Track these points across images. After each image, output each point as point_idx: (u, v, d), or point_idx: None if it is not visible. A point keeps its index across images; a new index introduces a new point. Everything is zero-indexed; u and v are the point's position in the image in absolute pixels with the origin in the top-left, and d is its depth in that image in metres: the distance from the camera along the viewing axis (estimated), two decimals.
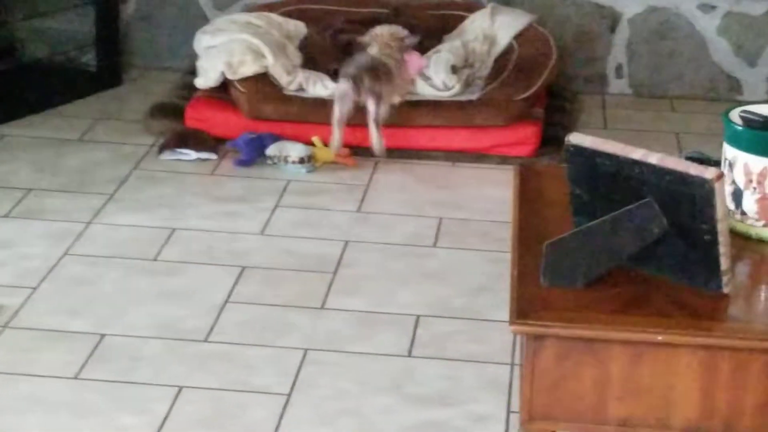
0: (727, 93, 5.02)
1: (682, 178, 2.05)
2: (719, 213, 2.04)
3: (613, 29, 5.03)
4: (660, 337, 1.99)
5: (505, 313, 3.41)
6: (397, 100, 4.33)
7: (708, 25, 4.98)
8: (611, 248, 2.13)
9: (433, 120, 4.38)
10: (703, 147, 4.50)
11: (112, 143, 4.49)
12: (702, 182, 2.03)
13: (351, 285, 3.57)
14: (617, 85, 5.09)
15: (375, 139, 4.25)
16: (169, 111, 4.57)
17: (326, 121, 4.36)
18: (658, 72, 5.05)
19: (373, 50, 4.33)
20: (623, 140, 4.50)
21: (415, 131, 4.39)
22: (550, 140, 4.44)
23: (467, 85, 4.51)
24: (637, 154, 2.11)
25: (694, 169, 2.04)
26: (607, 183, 2.16)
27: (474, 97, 4.40)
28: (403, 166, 4.37)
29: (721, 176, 2.03)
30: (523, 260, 2.22)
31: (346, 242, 3.82)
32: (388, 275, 3.63)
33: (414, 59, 4.44)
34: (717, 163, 2.44)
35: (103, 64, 4.98)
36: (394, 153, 4.39)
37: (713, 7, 4.96)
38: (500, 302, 3.46)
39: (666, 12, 4.99)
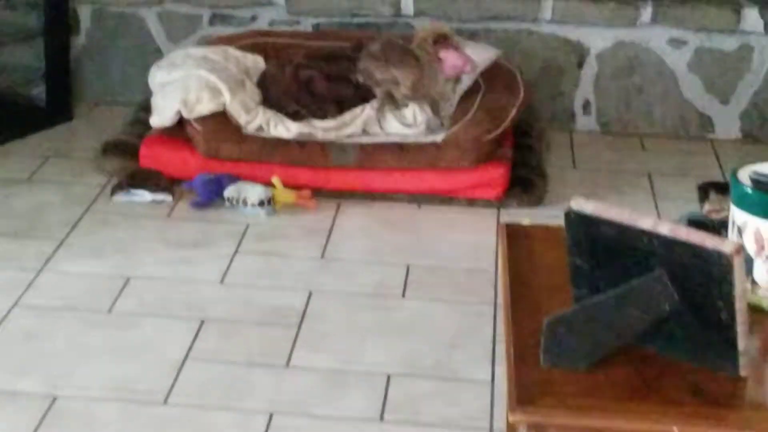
0: (699, 131, 4.88)
1: (697, 251, 1.87)
2: (737, 290, 1.86)
3: (580, 64, 4.88)
4: (675, 429, 1.81)
5: (481, 371, 3.25)
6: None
7: (678, 60, 4.84)
8: (617, 326, 1.94)
9: (398, 162, 4.21)
10: (676, 188, 4.39)
11: (62, 183, 4.27)
12: (719, 257, 1.85)
13: (317, 340, 3.37)
14: (585, 122, 4.94)
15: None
16: (123, 149, 4.36)
17: (287, 161, 4.18)
18: (627, 108, 4.90)
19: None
20: (593, 180, 4.43)
21: (379, 173, 4.22)
22: (519, 181, 4.28)
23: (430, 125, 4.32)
24: (645, 222, 1.93)
25: (710, 242, 1.87)
26: (610, 253, 1.98)
27: (439, 138, 4.23)
28: (367, 208, 4.18)
29: (740, 250, 1.85)
30: (519, 337, 2.02)
31: (310, 292, 3.62)
32: (356, 329, 3.43)
33: (451, 57, 4.27)
34: (721, 226, 2.26)
35: (53, 98, 4.76)
36: (357, 195, 4.22)
37: (684, 43, 4.82)
38: (474, 359, 3.29)
39: (635, 47, 4.84)
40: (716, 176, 4.52)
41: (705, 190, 4.31)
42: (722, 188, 4.31)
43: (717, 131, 4.88)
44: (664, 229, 1.91)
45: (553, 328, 1.93)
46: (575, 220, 1.99)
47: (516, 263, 2.28)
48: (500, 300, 3.54)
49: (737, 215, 2.16)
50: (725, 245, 1.86)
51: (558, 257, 2.19)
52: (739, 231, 2.15)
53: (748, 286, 2.11)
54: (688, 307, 1.92)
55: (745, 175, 2.16)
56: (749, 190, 2.12)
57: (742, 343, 1.90)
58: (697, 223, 2.27)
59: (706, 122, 4.88)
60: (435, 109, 4.31)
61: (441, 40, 4.33)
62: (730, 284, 1.86)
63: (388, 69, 4.28)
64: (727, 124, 4.87)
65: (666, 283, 1.92)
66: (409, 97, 4.25)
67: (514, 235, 2.39)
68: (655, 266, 1.92)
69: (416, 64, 4.27)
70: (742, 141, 4.86)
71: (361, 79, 4.32)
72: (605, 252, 1.98)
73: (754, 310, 2.10)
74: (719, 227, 2.26)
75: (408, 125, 4.24)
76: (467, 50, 4.41)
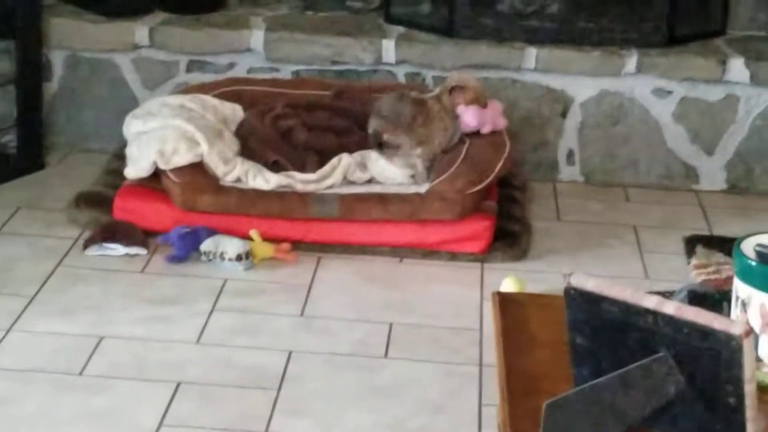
0: (684, 182, 4.82)
1: (704, 332, 1.78)
2: (747, 373, 1.77)
3: (564, 114, 4.81)
4: None
5: None
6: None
7: (663, 110, 4.78)
8: (620, 409, 1.85)
9: (380, 213, 4.12)
10: (662, 241, 4.32)
11: (33, 236, 4.16)
12: (728, 339, 1.76)
13: (297, 404, 3.26)
14: (568, 173, 4.86)
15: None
16: (96, 201, 4.26)
17: (266, 214, 4.10)
18: (611, 159, 4.83)
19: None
20: (578, 233, 4.34)
21: (361, 225, 4.13)
22: (503, 234, 4.20)
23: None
24: (649, 301, 1.84)
25: (718, 323, 1.78)
26: (613, 332, 1.89)
27: (423, 189, 4.14)
28: (347, 262, 4.08)
29: (750, 332, 1.76)
30: (516, 418, 1.93)
31: (290, 352, 3.52)
32: (337, 391, 3.33)
33: (468, 115, 4.26)
34: (723, 298, 2.18)
35: (25, 146, 4.65)
36: (337, 248, 4.13)
37: (668, 92, 4.76)
38: (460, 423, 3.20)
39: (619, 96, 4.78)
40: (702, 229, 4.46)
41: (691, 244, 4.25)
42: (709, 242, 4.26)
43: (702, 182, 4.81)
44: (670, 308, 1.82)
45: (553, 411, 1.84)
46: (575, 297, 1.90)
47: (510, 335, 2.19)
48: (486, 360, 3.46)
49: (741, 289, 2.07)
50: (734, 326, 1.77)
51: (554, 329, 2.11)
52: (743, 305, 2.06)
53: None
54: (695, 389, 1.83)
55: (749, 247, 2.08)
56: (754, 264, 2.04)
57: (751, 428, 1.81)
58: (699, 295, 2.19)
59: (691, 173, 4.82)
60: (431, 161, 4.24)
61: (460, 92, 4.28)
62: (740, 367, 1.77)
63: (397, 133, 4.20)
64: (713, 175, 4.81)
65: (671, 364, 1.83)
66: (421, 157, 4.21)
67: (506, 306, 2.30)
68: (660, 346, 1.84)
69: (426, 128, 4.20)
70: (728, 192, 4.80)
71: (371, 134, 4.30)
72: (607, 331, 1.89)
73: (759, 388, 2.02)
74: (721, 300, 2.17)
75: (411, 166, 4.16)
76: (490, 108, 4.33)
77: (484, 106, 4.35)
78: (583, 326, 1.92)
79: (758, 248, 2.06)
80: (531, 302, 2.35)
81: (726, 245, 4.19)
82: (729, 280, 3.83)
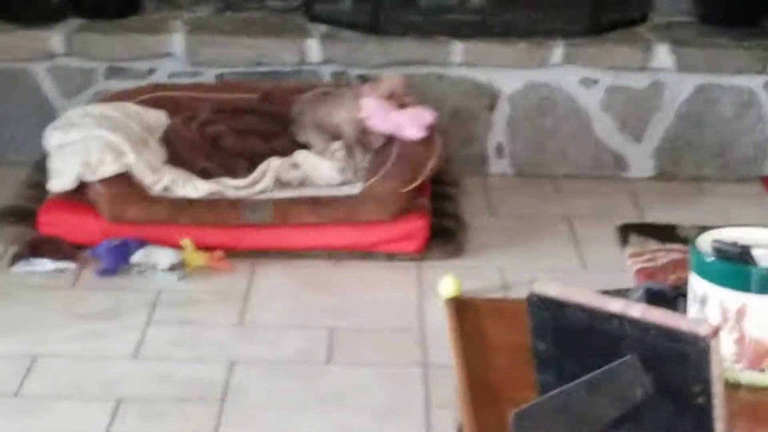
0: (613, 170, 4.84)
1: (671, 334, 1.77)
2: (715, 373, 1.76)
3: (491, 107, 4.81)
4: None
5: None
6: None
7: (590, 100, 4.79)
8: (589, 415, 1.83)
9: (314, 217, 4.09)
10: (595, 230, 4.32)
11: None
12: (695, 339, 1.75)
13: (242, 417, 3.22)
14: (499, 166, 4.86)
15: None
16: (20, 216, 4.17)
17: (197, 222, 4.04)
18: (541, 150, 4.84)
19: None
20: (512, 227, 4.34)
21: (295, 230, 4.09)
22: (438, 233, 4.19)
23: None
24: (615, 305, 1.82)
25: (685, 324, 1.77)
26: (578, 337, 1.87)
27: (356, 191, 4.11)
28: (283, 267, 4.04)
29: (717, 332, 1.75)
30: (481, 428, 1.90)
31: (231, 362, 3.47)
32: (283, 401, 3.29)
33: (371, 105, 4.21)
34: (679, 296, 2.17)
35: None
36: (271, 254, 4.08)
37: (595, 82, 4.78)
38: (409, 427, 3.17)
39: (546, 88, 4.78)
40: (634, 217, 4.47)
41: (625, 233, 4.27)
42: (642, 230, 4.28)
43: (631, 170, 4.84)
44: (636, 311, 1.81)
45: (522, 420, 1.81)
46: (538, 304, 1.88)
47: (467, 343, 2.17)
48: (430, 361, 3.44)
49: (698, 285, 2.07)
50: (701, 327, 1.76)
51: (511, 335, 2.09)
52: (702, 302, 2.06)
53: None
54: (662, 392, 1.81)
55: (705, 243, 2.07)
56: (711, 260, 2.03)
57: (719, 427, 1.80)
58: (656, 293, 2.18)
59: (620, 161, 4.84)
60: (354, 154, 4.21)
61: (373, 86, 4.25)
62: (708, 367, 1.76)
63: (307, 132, 4.17)
64: (641, 163, 4.83)
65: (638, 368, 1.81)
66: (352, 137, 4.19)
67: (461, 311, 2.27)
68: (626, 350, 1.82)
69: (330, 118, 4.18)
70: (657, 179, 4.83)
71: (296, 128, 4.28)
72: (572, 336, 1.87)
73: (726, 386, 2.01)
74: (678, 297, 2.16)
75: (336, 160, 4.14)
76: (408, 112, 4.24)
77: (400, 105, 4.27)
78: (547, 333, 1.89)
79: (715, 244, 2.05)
80: (486, 307, 2.32)
81: (658, 232, 4.23)
82: (665, 267, 3.86)
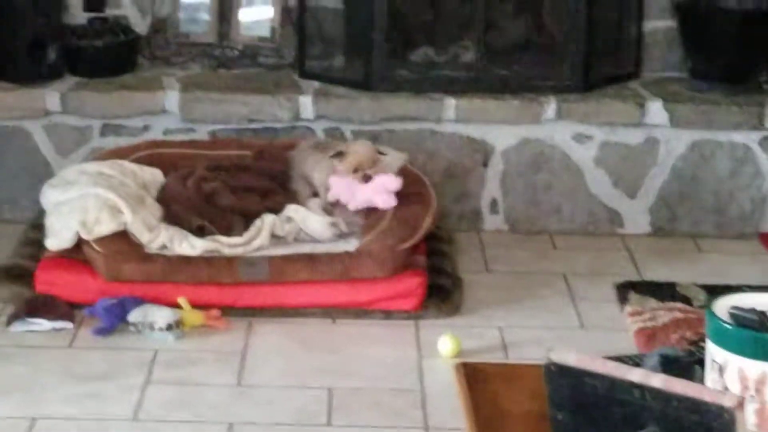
0: (608, 226, 4.83)
1: (695, 405, 1.75)
2: None
3: (485, 163, 4.80)
4: None
5: None
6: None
7: (584, 155, 4.79)
8: None
9: (310, 274, 4.06)
10: (593, 288, 4.30)
11: None
12: (720, 411, 1.73)
13: None
14: (493, 222, 4.85)
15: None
16: (16, 274, 4.14)
17: (194, 280, 4.01)
18: (535, 206, 4.83)
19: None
20: (508, 284, 4.31)
21: (290, 288, 4.07)
22: (435, 290, 4.16)
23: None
24: (635, 375, 1.80)
25: (708, 395, 1.75)
26: (597, 407, 1.84)
27: (352, 247, 4.09)
28: (280, 326, 4.01)
29: (742, 403, 1.73)
30: None
31: (230, 425, 3.43)
32: None
33: (337, 184, 4.19)
34: (697, 362, 2.15)
35: None
36: (268, 312, 4.06)
37: (588, 137, 4.78)
38: None
39: (540, 143, 4.78)
40: (631, 273, 4.46)
41: (623, 291, 4.25)
42: (640, 288, 4.27)
43: (626, 226, 4.82)
44: (657, 381, 1.79)
45: None
46: (556, 372, 1.86)
47: (479, 411, 2.14)
48: (431, 423, 3.41)
49: (716, 353, 2.05)
50: (726, 398, 1.74)
51: (526, 402, 2.06)
52: (720, 370, 2.03)
53: None
54: None
55: (722, 309, 2.05)
56: (730, 327, 2.01)
57: None
58: (671, 360, 2.15)
59: (615, 217, 4.83)
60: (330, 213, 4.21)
61: (341, 158, 4.24)
62: None
63: (311, 166, 4.27)
64: (637, 219, 4.82)
65: None
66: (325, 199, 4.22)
67: (472, 378, 2.25)
68: (648, 421, 1.80)
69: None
70: (652, 235, 4.82)
71: (294, 179, 4.30)
72: (591, 406, 1.85)
73: None
74: (694, 363, 2.14)
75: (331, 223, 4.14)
76: (372, 184, 4.22)
77: (366, 179, 4.25)
78: (565, 402, 1.87)
79: (732, 311, 2.03)
80: (495, 372, 2.30)
81: (658, 290, 4.21)
82: (666, 327, 3.83)
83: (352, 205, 4.20)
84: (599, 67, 4.91)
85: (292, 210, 4.19)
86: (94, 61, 4.87)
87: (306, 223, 4.15)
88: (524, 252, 4.66)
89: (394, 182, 4.19)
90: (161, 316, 3.89)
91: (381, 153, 4.29)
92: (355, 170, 4.20)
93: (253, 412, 3.50)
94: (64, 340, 3.88)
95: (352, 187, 4.21)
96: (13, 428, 3.38)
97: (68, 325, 3.93)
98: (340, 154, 4.25)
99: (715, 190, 4.77)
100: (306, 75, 4.94)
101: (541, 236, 4.80)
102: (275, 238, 4.14)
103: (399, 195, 4.25)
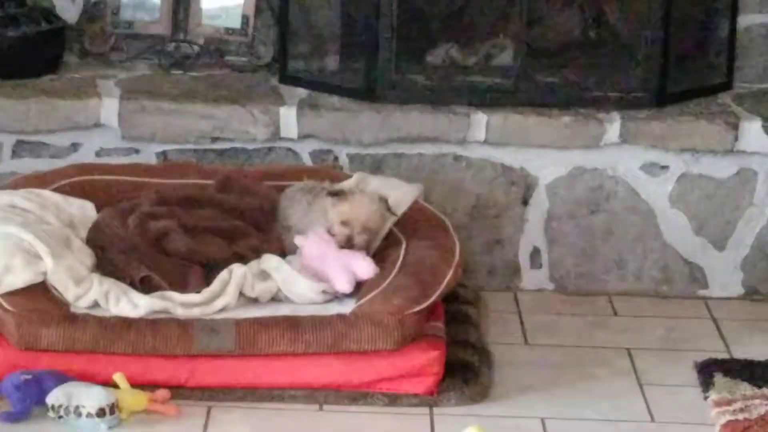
0: (687, 287, 4.89)
1: None
2: None
3: (526, 200, 4.85)
4: None
5: None
6: None
7: (657, 192, 4.85)
8: None
9: (291, 344, 4.09)
10: (666, 369, 4.33)
11: None
12: None
13: None
14: (534, 278, 4.91)
15: None
16: None
17: (135, 351, 4.05)
18: (590, 259, 4.89)
19: None
20: (553, 361, 4.36)
21: (264, 362, 4.10)
22: (456, 367, 4.20)
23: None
24: None
25: None
26: None
27: (347, 309, 4.13)
28: (248, 413, 4.05)
29: None
30: None
31: None
32: None
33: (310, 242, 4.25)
34: None
35: None
36: (233, 394, 4.09)
37: (663, 168, 4.83)
38: None
39: (598, 175, 4.84)
40: (718, 350, 4.50)
41: (707, 372, 4.28)
42: (729, 368, 4.29)
43: (712, 287, 4.88)
44: None
45: None
46: None
47: None
48: None
49: None
50: None
51: None
52: None
53: None
54: None
55: None
56: None
57: None
58: None
59: (697, 275, 4.89)
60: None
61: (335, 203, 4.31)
62: None
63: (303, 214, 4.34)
64: (725, 278, 4.88)
65: None
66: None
67: None
68: None
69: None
70: (745, 299, 4.86)
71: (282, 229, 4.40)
72: None
73: None
74: None
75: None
76: (339, 261, 4.26)
77: (347, 244, 4.28)
78: None
79: None
80: None
81: (752, 372, 4.23)
82: (763, 421, 3.86)
83: (312, 270, 4.24)
84: (679, 74, 4.97)
85: (271, 264, 4.23)
86: (5, 56, 4.92)
87: (289, 286, 4.19)
88: (575, 319, 4.70)
89: (366, 269, 4.22)
90: (91, 397, 3.92)
91: (387, 207, 4.34)
92: (343, 223, 4.27)
93: None
94: None
95: (324, 250, 4.26)
96: None
97: None
98: (338, 194, 4.30)
99: None
100: (289, 80, 5.01)
101: (597, 299, 4.85)
102: (244, 297, 4.18)
103: (413, 241, 4.30)
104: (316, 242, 4.28)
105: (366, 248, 4.31)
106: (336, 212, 4.30)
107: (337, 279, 4.22)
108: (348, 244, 4.28)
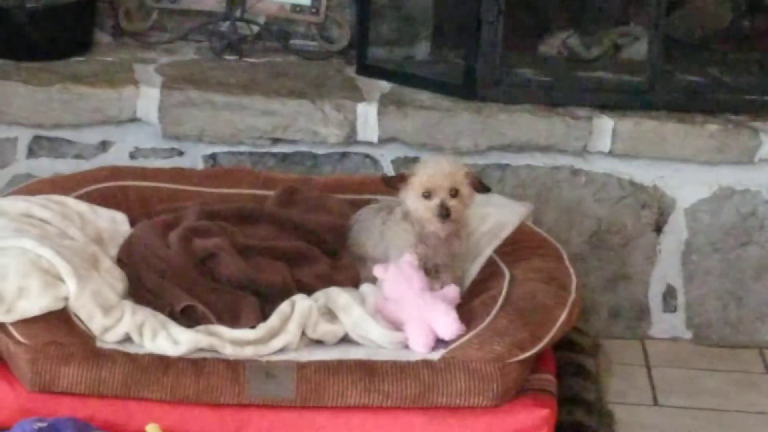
0: None
1: None
2: None
3: (659, 227, 4.87)
4: None
5: None
6: None
7: None
8: None
9: (364, 396, 4.12)
10: None
11: None
12: None
13: None
14: (667, 324, 4.95)
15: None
16: None
17: (174, 397, 4.09)
18: (738, 302, 4.91)
19: None
20: (692, 427, 4.38)
21: (332, 415, 4.14)
22: (570, 431, 4.22)
23: None
24: None
25: None
26: None
27: (436, 356, 4.16)
28: None
29: None
30: None
31: None
32: None
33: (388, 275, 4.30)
34: None
35: None
36: None
37: None
38: None
39: (751, 198, 4.87)
40: None
41: None
42: None
43: None
44: None
45: None
46: None
47: None
48: None
49: None
50: None
51: None
52: None
53: None
54: None
55: None
56: None
57: None
58: None
59: None
60: None
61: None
62: None
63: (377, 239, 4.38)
64: None
65: None
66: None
67: None
68: None
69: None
70: None
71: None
72: None
73: None
74: None
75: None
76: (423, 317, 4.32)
77: (442, 213, 4.31)
78: None
79: None
80: None
81: None
82: None
83: (386, 313, 4.29)
84: None
85: (338, 303, 4.24)
86: (23, 33, 4.99)
87: (361, 331, 4.22)
88: (718, 375, 4.72)
89: (452, 328, 4.25)
90: None
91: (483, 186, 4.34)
92: (426, 194, 4.26)
93: None
94: None
95: (406, 286, 4.28)
96: None
97: None
98: (402, 178, 4.29)
99: None
100: (368, 70, 5.05)
101: (747, 351, 4.87)
102: (306, 337, 4.21)
103: (518, 272, 4.33)
104: (396, 280, 4.29)
105: (454, 277, 4.34)
106: (415, 184, 4.28)
107: (412, 339, 4.23)
108: (444, 213, 4.27)
